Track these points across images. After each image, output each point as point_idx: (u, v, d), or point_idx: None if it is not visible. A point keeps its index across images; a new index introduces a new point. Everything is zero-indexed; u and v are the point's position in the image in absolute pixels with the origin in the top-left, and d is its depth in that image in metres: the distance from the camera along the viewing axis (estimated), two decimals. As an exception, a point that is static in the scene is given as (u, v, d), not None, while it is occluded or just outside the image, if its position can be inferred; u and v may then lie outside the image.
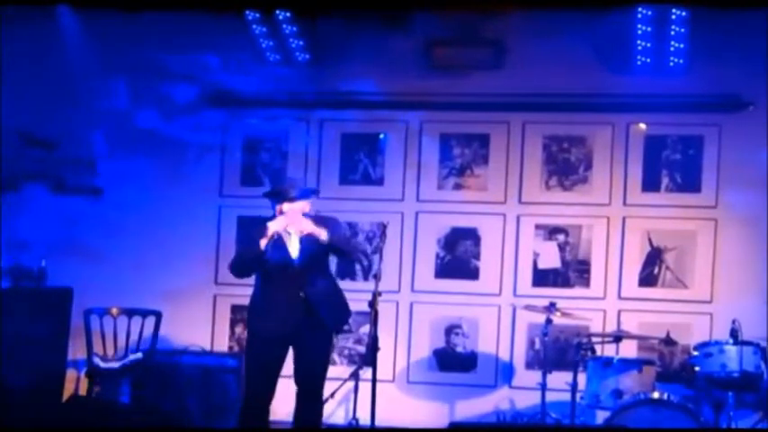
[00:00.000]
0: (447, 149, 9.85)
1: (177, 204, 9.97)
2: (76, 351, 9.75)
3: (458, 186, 9.84)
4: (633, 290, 9.51)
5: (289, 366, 7.51)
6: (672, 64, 9.25)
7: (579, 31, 9.26)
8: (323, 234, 7.41)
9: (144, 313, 9.53)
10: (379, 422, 7.84)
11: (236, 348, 9.93)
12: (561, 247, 9.65)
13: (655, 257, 9.51)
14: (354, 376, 8.98)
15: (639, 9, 9.01)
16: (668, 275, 9.49)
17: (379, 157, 9.94)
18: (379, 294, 7.75)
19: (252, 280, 7.72)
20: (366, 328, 9.18)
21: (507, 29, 9.52)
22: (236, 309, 9.93)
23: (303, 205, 7.58)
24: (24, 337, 8.97)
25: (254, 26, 9.55)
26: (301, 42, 9.68)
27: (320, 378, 7.65)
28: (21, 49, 9.70)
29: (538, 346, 9.44)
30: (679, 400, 8.02)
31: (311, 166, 9.96)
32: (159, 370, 9.30)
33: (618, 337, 8.60)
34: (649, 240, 9.53)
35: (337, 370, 9.34)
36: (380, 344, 7.84)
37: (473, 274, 9.77)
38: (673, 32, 9.08)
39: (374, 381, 7.76)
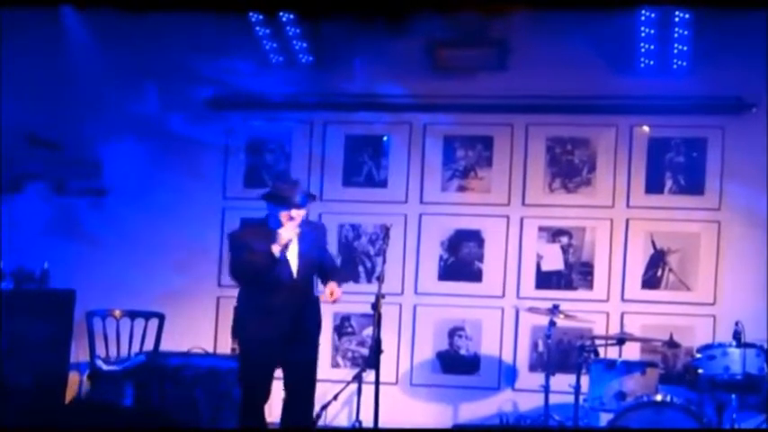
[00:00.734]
0: (450, 152, 9.85)
1: (181, 206, 9.97)
2: (79, 353, 9.75)
3: (461, 188, 9.83)
4: (636, 292, 9.51)
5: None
6: (675, 66, 9.25)
7: (582, 33, 9.26)
8: None
9: (147, 315, 9.53)
10: (382, 424, 7.84)
11: (237, 350, 9.91)
12: (564, 250, 9.64)
13: (658, 260, 9.51)
14: (357, 378, 8.97)
15: (643, 11, 9.01)
16: (671, 278, 9.48)
17: (383, 159, 9.94)
18: (383, 297, 7.77)
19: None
20: (369, 331, 9.20)
21: (511, 31, 9.52)
22: (239, 311, 9.93)
23: (305, 211, 7.64)
24: (27, 339, 8.96)
25: (258, 28, 9.55)
26: (305, 44, 9.68)
27: (313, 382, 7.69)
28: (24, 50, 9.70)
29: (541, 348, 9.43)
30: (682, 402, 8.02)
31: (315, 168, 9.96)
32: (162, 372, 9.29)
33: (621, 340, 8.59)
34: (652, 242, 9.52)
35: (340, 372, 9.34)
36: (384, 346, 7.85)
37: (476, 276, 9.76)
38: (676, 35, 9.08)
39: (377, 383, 7.76)
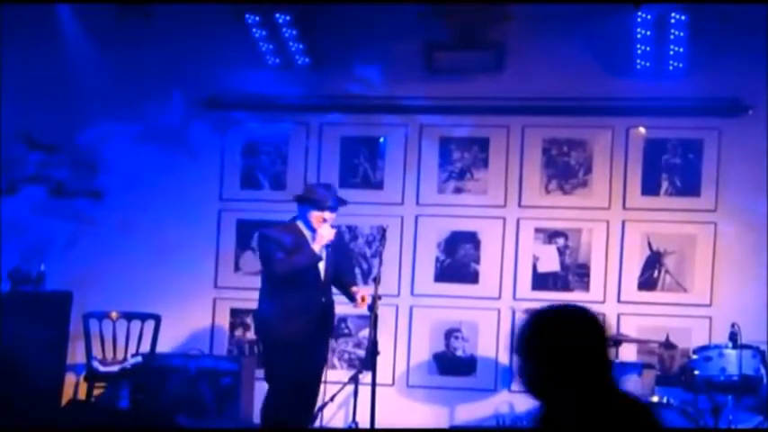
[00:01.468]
0: (447, 153, 9.85)
1: (177, 208, 9.96)
2: (75, 355, 9.76)
3: (458, 190, 9.83)
4: (633, 293, 9.51)
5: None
6: (671, 68, 9.25)
7: (578, 35, 9.28)
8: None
9: (143, 317, 9.53)
10: (378, 426, 7.84)
11: (235, 352, 9.93)
12: (561, 251, 9.65)
13: (654, 261, 9.51)
14: (354, 380, 8.95)
15: (639, 13, 9.01)
16: (668, 279, 9.49)
17: (379, 160, 9.94)
18: (379, 298, 7.83)
19: (253, 284, 7.82)
20: (366, 332, 9.19)
21: (507, 33, 9.52)
22: (235, 312, 9.94)
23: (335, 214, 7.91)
24: (23, 340, 8.95)
25: (255, 30, 9.54)
26: (301, 46, 9.67)
27: (320, 380, 7.96)
28: (20, 52, 9.70)
29: (537, 349, 9.40)
30: (678, 403, 8.04)
31: (311, 169, 9.96)
32: (158, 374, 9.29)
33: (617, 341, 8.59)
34: (649, 244, 9.53)
35: (337, 374, 9.34)
36: (380, 348, 7.89)
37: (473, 277, 9.76)
38: (672, 36, 9.08)
39: (374, 384, 7.79)
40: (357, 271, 9.77)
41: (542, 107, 9.60)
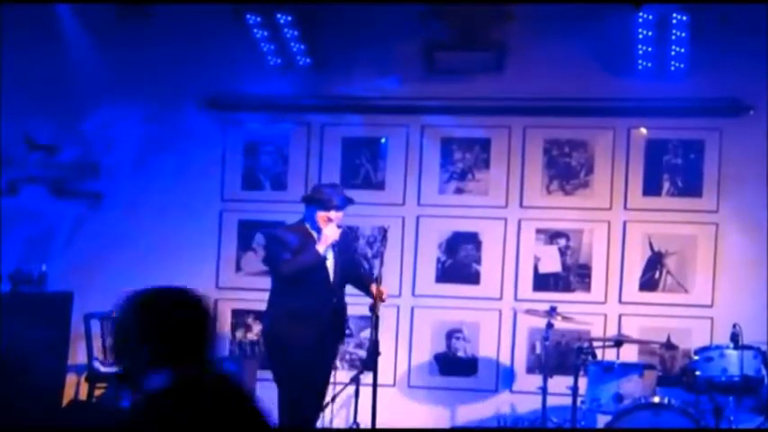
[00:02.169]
0: (448, 154, 9.85)
1: (178, 208, 9.95)
2: (77, 355, 9.75)
3: (459, 191, 9.83)
4: (634, 294, 9.51)
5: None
6: (673, 68, 9.25)
7: (580, 35, 9.27)
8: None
9: (144, 317, 9.50)
10: (379, 426, 7.84)
11: (236, 353, 9.92)
12: (562, 252, 9.64)
13: (655, 262, 9.51)
14: (355, 381, 8.96)
15: (640, 13, 9.00)
16: (669, 280, 9.48)
17: (381, 161, 9.94)
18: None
19: (264, 285, 7.86)
20: (367, 333, 9.18)
21: (508, 33, 9.53)
22: (236, 313, 9.93)
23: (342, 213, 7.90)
24: (25, 341, 8.95)
25: (256, 30, 9.54)
26: (303, 47, 9.67)
27: (329, 382, 8.06)
28: (20, 52, 9.69)
29: (539, 350, 9.42)
30: (680, 404, 8.02)
31: (312, 170, 9.95)
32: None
33: (619, 342, 8.59)
34: (650, 245, 9.52)
35: (338, 374, 9.32)
36: (381, 348, 7.88)
37: (474, 278, 9.76)
38: (674, 37, 9.07)
39: (375, 385, 7.78)
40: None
41: (543, 107, 9.60)
